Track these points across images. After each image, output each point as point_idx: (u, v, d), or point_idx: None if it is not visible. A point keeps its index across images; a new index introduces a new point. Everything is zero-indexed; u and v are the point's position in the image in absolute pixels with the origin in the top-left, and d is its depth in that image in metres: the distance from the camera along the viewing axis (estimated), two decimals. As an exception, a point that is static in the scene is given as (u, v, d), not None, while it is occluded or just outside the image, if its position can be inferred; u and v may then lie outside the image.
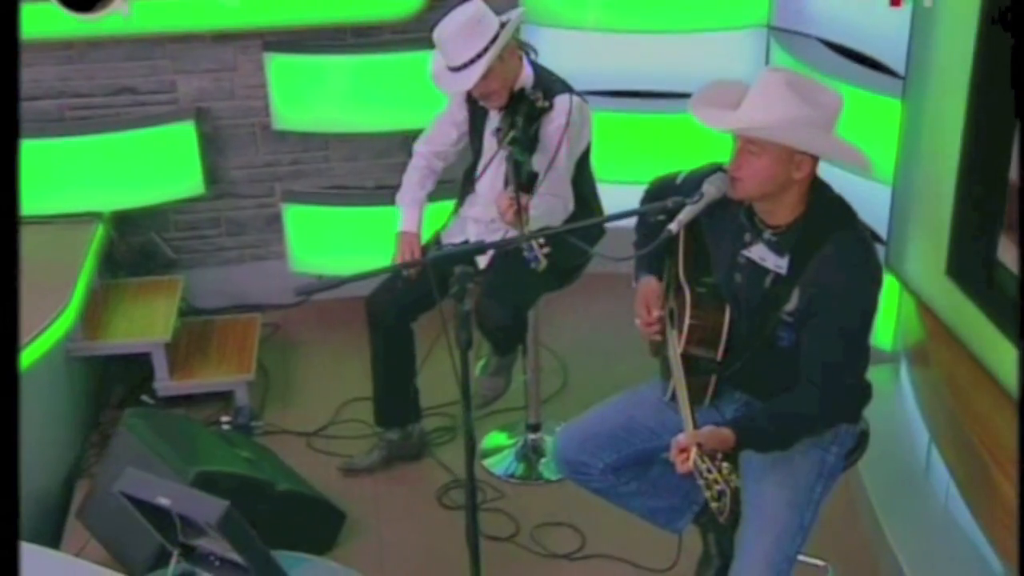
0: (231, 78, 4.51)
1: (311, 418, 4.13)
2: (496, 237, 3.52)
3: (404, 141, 4.64)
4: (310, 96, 4.49)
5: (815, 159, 2.41)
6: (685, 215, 2.38)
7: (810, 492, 2.60)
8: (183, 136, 4.46)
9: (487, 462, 3.91)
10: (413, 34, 4.43)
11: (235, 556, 2.51)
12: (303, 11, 4.35)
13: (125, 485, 2.41)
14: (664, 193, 2.69)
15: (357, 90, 4.49)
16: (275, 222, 4.73)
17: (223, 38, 4.43)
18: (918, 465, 3.54)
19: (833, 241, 2.42)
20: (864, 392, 2.67)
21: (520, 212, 3.11)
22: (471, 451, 2.54)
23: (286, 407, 4.23)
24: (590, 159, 3.58)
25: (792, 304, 2.46)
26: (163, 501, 2.35)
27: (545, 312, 3.90)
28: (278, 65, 4.43)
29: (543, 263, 2.98)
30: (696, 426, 2.41)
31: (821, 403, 2.44)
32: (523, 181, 3.21)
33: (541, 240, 2.98)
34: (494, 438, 4.02)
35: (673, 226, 2.37)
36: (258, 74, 4.49)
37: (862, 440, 2.75)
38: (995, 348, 3.20)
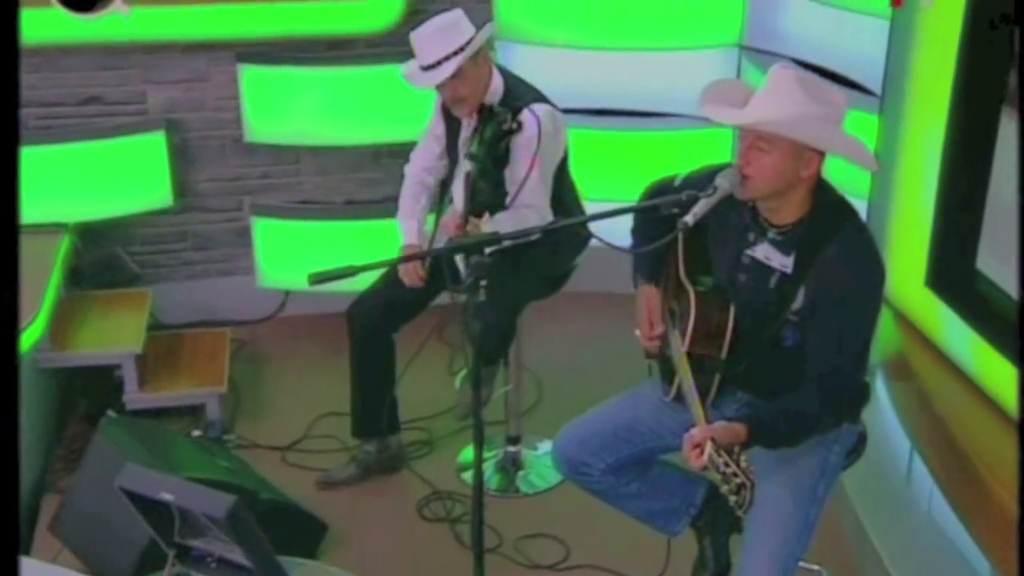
0: (202, 89, 4.46)
1: (283, 433, 4.06)
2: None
3: (375, 155, 4.66)
4: (283, 108, 4.45)
5: (822, 157, 2.43)
6: (700, 208, 2.38)
7: (813, 490, 2.60)
8: (152, 147, 4.39)
9: (465, 475, 3.87)
10: (388, 48, 4.42)
11: (233, 556, 2.46)
12: (276, 23, 4.30)
13: (125, 480, 2.34)
14: (663, 195, 2.69)
15: (330, 103, 4.46)
16: (243, 237, 4.67)
17: (195, 48, 4.37)
18: (899, 474, 3.57)
19: (838, 240, 2.43)
20: (864, 392, 2.69)
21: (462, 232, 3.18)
22: (479, 444, 2.49)
23: (257, 422, 4.15)
24: (568, 168, 3.59)
25: (798, 303, 2.47)
26: (166, 496, 2.29)
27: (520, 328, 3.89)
28: (251, 76, 4.39)
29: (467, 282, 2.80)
30: (708, 421, 2.41)
31: (826, 402, 2.45)
32: (475, 206, 3.26)
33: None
34: (471, 452, 3.97)
35: (689, 218, 2.37)
36: (229, 86, 4.44)
37: (861, 440, 2.76)
38: (978, 355, 3.26)
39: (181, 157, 4.49)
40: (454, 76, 3.31)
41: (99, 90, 4.38)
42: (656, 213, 2.52)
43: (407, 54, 4.38)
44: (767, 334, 2.52)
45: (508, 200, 3.34)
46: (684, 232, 2.54)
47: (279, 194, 4.67)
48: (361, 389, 3.72)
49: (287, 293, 4.79)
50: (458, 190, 3.49)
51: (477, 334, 2.42)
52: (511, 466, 3.90)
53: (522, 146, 3.33)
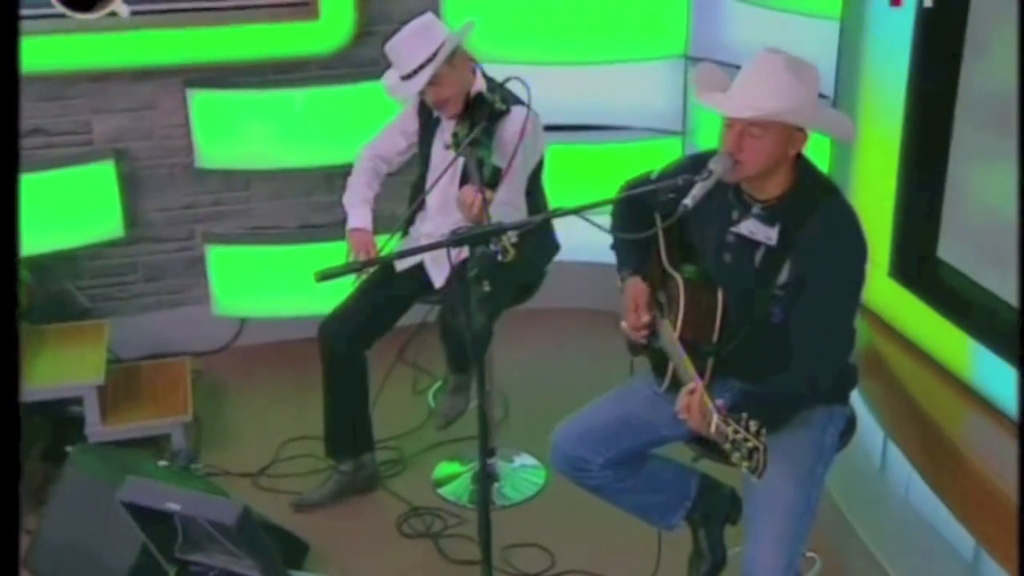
0: (150, 117, 4.40)
1: (251, 459, 3.99)
2: (454, 252, 3.48)
3: (328, 178, 4.63)
4: (234, 133, 4.41)
5: (805, 137, 2.49)
6: (698, 190, 2.41)
7: (812, 472, 2.63)
8: (100, 177, 4.32)
9: (442, 490, 3.84)
10: (339, 70, 4.42)
11: (237, 568, 2.40)
12: (226, 47, 4.28)
13: (127, 494, 2.29)
14: (634, 198, 2.73)
15: (282, 126, 4.43)
16: (195, 266, 4.60)
17: (142, 76, 4.32)
18: (873, 464, 3.62)
19: (821, 213, 2.49)
20: (852, 374, 2.73)
21: (485, 206, 3.09)
22: (484, 438, 2.47)
23: (223, 450, 4.07)
24: (542, 175, 3.60)
25: (783, 277, 2.51)
26: (172, 506, 2.23)
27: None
28: (201, 101, 4.34)
29: (511, 253, 2.88)
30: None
31: (812, 379, 2.49)
32: (487, 178, 3.22)
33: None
34: (446, 467, 3.96)
35: (688, 201, 2.39)
36: (177, 113, 4.39)
37: (851, 423, 2.80)
38: (944, 338, 3.32)
39: (130, 186, 4.42)
40: (433, 83, 3.29)
41: (42, 121, 4.29)
42: (654, 198, 2.54)
43: (358, 75, 4.42)
44: (755, 312, 2.55)
45: (499, 183, 3.28)
46: (664, 222, 2.57)
47: (231, 221, 4.61)
48: (335, 408, 3.68)
49: (243, 321, 4.72)
50: (435, 196, 3.47)
51: (481, 326, 2.37)
52: (487, 479, 3.87)
53: (506, 139, 3.30)
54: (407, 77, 3.32)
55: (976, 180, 3.31)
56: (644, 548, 3.17)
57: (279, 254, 4.56)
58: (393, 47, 3.34)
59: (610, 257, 4.57)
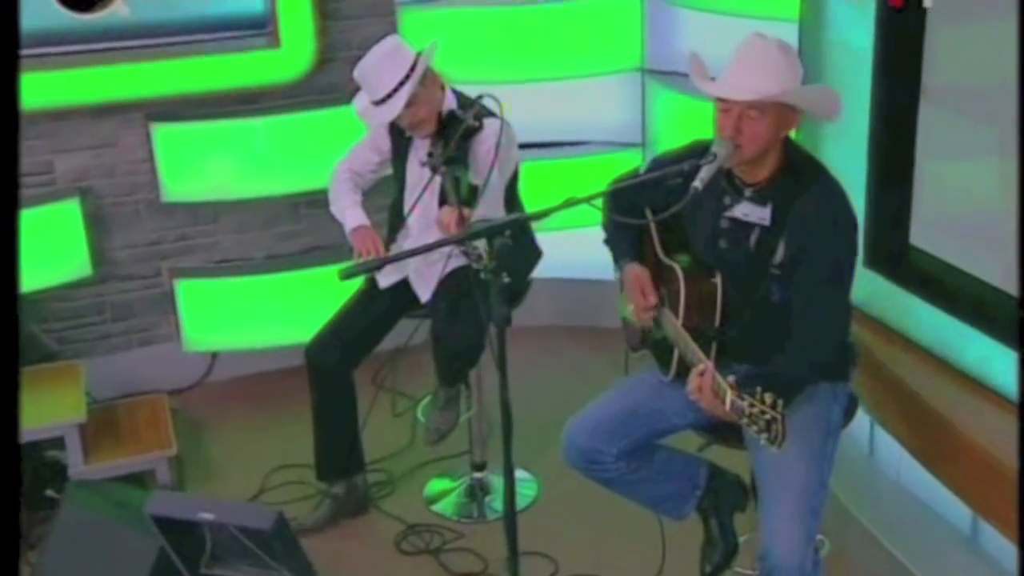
0: (112, 154, 4.36)
1: (238, 491, 3.93)
2: (437, 267, 3.51)
3: (294, 207, 4.62)
4: (198, 165, 4.38)
5: (798, 117, 2.56)
6: (706, 172, 2.47)
7: (822, 449, 2.68)
8: (65, 217, 4.26)
9: (436, 507, 3.83)
10: (301, 98, 4.42)
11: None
12: (187, 79, 4.26)
13: (155, 507, 2.26)
14: (631, 187, 2.79)
15: (246, 156, 4.42)
16: (162, 303, 4.55)
17: (102, 112, 4.28)
18: (861, 451, 3.69)
19: (812, 191, 2.58)
20: (851, 351, 2.79)
21: (464, 224, 3.11)
22: (508, 429, 2.46)
23: (209, 483, 4.03)
24: (518, 184, 3.63)
25: (779, 256, 2.58)
26: (206, 516, 2.20)
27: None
28: (164, 135, 4.32)
29: (486, 260, 2.90)
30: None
31: (817, 350, 2.56)
32: (464, 196, 3.24)
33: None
34: (436, 484, 3.95)
35: (697, 183, 2.45)
36: (140, 148, 4.36)
37: (853, 400, 2.86)
38: (918, 320, 3.40)
39: (95, 225, 4.36)
40: (408, 104, 3.31)
41: (3, 163, 4.22)
42: (663, 183, 2.60)
43: (321, 101, 4.43)
44: (755, 293, 2.61)
45: (477, 198, 3.30)
46: (653, 216, 2.64)
47: (198, 255, 4.58)
48: (325, 430, 3.66)
49: (214, 356, 4.67)
50: (416, 213, 3.48)
51: (503, 318, 2.37)
52: (479, 492, 3.87)
53: (481, 155, 3.34)
54: (381, 101, 3.32)
55: (944, 169, 3.42)
56: (647, 549, 3.21)
57: (248, 285, 4.53)
58: (363, 72, 3.34)
59: (585, 272, 4.64)
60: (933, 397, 3.22)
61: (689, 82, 4.37)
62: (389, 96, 3.30)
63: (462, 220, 3.10)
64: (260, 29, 4.38)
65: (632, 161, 4.76)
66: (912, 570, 3.34)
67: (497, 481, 3.92)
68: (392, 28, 4.51)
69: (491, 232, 2.33)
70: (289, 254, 4.65)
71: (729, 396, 2.32)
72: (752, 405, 2.27)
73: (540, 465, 3.91)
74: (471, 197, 3.26)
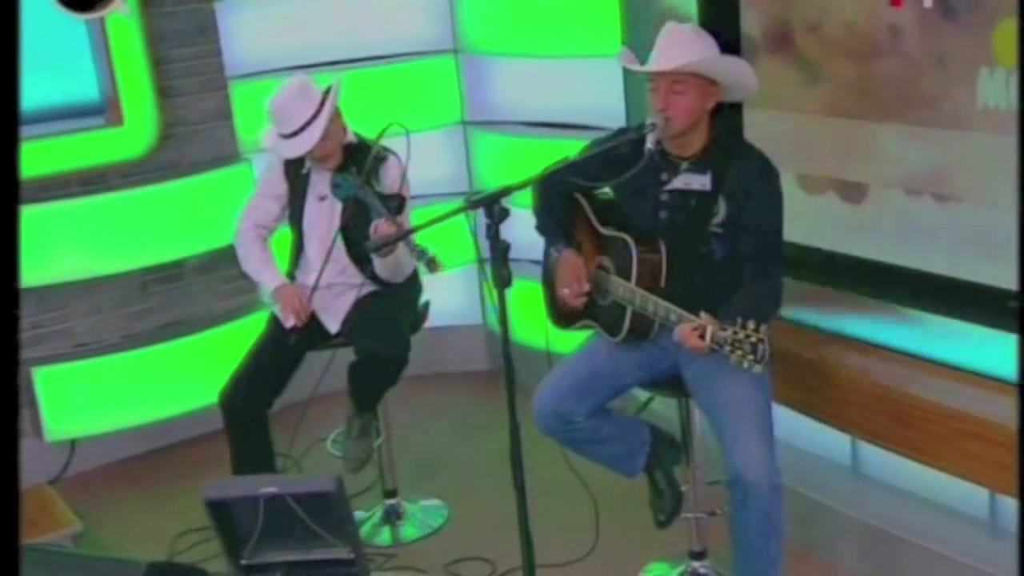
0: (-46, 248, 4.20)
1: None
2: (344, 299, 3.67)
3: (143, 285, 4.61)
4: (45, 248, 4.31)
5: (718, 92, 2.95)
6: (651, 139, 2.82)
7: (762, 376, 2.85)
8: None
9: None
10: (143, 175, 4.46)
11: (310, 556, 2.44)
12: (29, 164, 4.19)
13: (210, 493, 2.30)
14: (562, 170, 3.06)
15: (94, 234, 4.41)
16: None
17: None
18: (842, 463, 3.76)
19: (741, 156, 3.00)
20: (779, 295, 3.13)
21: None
22: (515, 427, 2.62)
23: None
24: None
25: (721, 215, 2.95)
26: (268, 490, 2.27)
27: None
28: (11, 220, 4.21)
29: (437, 264, 3.21)
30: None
31: (769, 282, 2.93)
32: (391, 206, 3.47)
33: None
34: (359, 513, 4.00)
35: (650, 144, 2.80)
36: (-22, 240, 4.23)
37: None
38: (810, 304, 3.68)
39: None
40: (322, 137, 3.50)
41: None
42: (616, 152, 2.91)
43: (164, 176, 4.49)
44: (698, 250, 2.95)
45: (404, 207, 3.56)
46: (582, 196, 2.98)
47: (51, 344, 4.47)
48: (243, 471, 3.66)
49: (72, 445, 4.53)
50: (314, 246, 3.64)
51: (503, 281, 2.57)
52: (395, 518, 3.97)
53: (388, 180, 3.61)
54: (294, 134, 3.52)
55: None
56: (579, 528, 3.45)
57: (107, 364, 4.46)
58: (277, 108, 3.55)
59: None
60: (883, 381, 3.37)
61: (508, 126, 4.75)
62: (302, 129, 3.50)
63: (399, 228, 3.30)
64: (98, 116, 4.44)
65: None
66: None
67: (410, 507, 4.04)
68: (225, 101, 4.65)
69: (490, 200, 2.55)
70: (143, 332, 4.61)
71: (709, 329, 2.62)
72: (736, 332, 2.58)
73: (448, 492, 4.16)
74: (398, 206, 3.48)
